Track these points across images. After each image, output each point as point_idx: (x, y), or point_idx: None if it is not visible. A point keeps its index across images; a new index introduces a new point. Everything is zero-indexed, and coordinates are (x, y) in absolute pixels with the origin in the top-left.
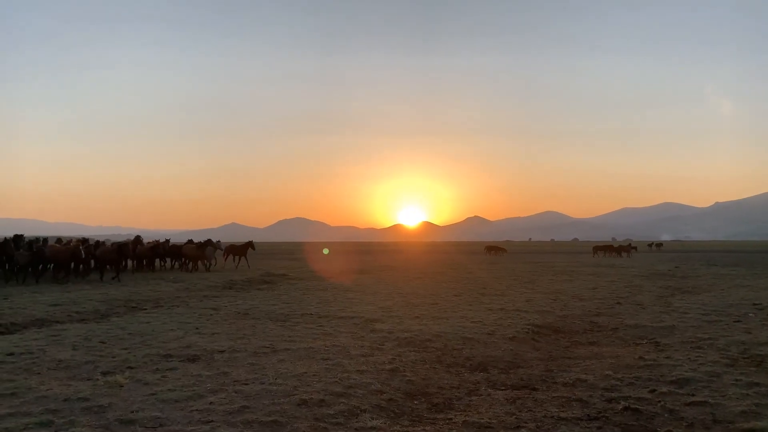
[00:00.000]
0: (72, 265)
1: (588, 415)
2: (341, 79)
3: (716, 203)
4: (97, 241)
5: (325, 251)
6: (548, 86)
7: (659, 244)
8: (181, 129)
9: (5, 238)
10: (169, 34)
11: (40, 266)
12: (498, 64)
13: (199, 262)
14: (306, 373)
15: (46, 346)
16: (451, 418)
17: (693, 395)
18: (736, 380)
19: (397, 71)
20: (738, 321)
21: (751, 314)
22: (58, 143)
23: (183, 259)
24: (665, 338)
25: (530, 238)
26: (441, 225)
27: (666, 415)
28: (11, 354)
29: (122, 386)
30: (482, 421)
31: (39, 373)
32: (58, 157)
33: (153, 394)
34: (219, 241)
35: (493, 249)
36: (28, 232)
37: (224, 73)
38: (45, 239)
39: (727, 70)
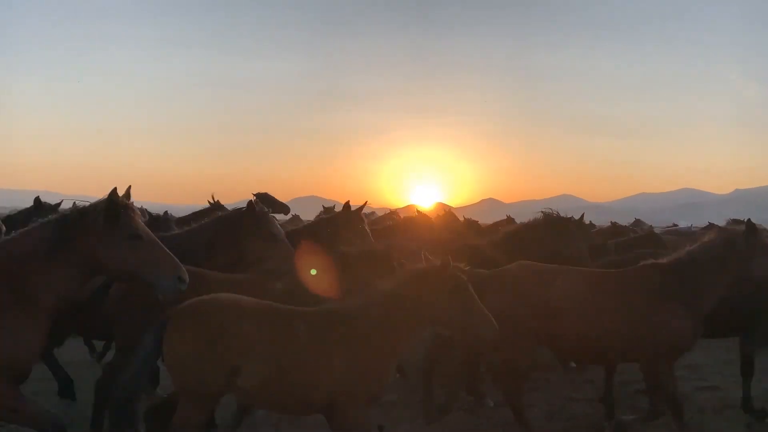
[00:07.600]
0: None
1: (600, 396)
2: (354, 59)
3: (736, 190)
4: None
5: None
6: (567, 69)
7: None
8: (195, 108)
9: None
10: (189, 25)
11: None
12: (516, 46)
13: None
14: None
15: None
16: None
17: (705, 380)
18: None
19: (412, 50)
20: None
21: None
22: (99, 123)
23: None
24: None
25: None
26: (455, 206)
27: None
28: None
29: None
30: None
31: None
32: (86, 134)
33: None
34: None
35: None
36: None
37: (240, 56)
38: None
39: (752, 54)
